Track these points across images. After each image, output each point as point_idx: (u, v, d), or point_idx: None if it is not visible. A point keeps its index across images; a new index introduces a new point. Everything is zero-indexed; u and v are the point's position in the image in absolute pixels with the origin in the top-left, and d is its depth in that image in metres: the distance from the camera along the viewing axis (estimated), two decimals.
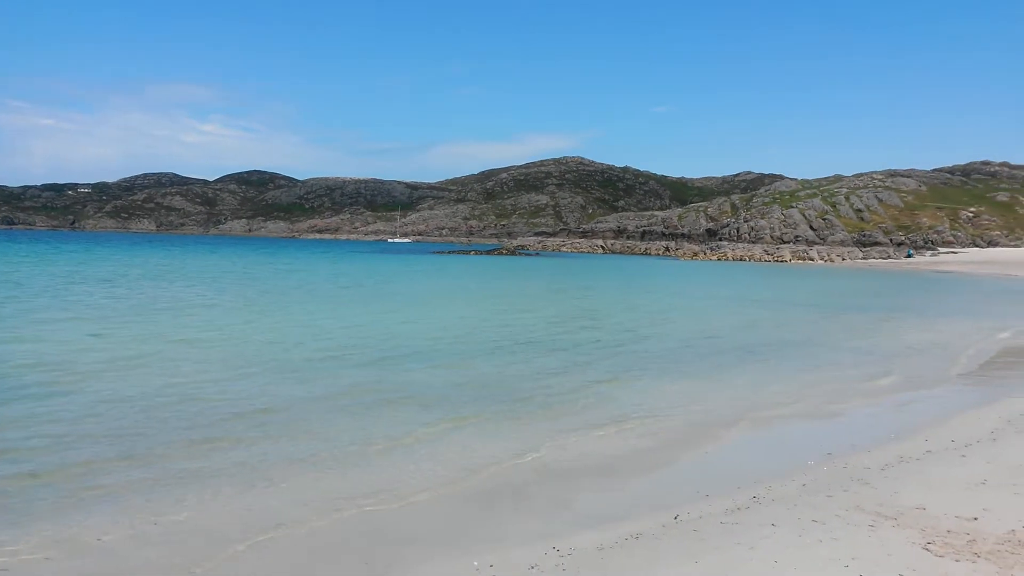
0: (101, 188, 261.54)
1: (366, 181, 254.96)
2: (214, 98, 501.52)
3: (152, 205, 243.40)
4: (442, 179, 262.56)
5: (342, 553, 6.52)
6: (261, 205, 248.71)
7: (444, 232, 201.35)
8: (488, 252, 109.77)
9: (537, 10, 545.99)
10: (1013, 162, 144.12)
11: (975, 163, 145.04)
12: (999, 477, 7.88)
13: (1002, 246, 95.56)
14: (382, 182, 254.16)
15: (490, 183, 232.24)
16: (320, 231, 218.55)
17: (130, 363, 14.48)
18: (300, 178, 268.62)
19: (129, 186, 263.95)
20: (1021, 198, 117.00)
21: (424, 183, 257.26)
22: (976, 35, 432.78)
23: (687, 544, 6.40)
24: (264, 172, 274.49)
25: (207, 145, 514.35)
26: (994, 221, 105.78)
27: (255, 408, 11.23)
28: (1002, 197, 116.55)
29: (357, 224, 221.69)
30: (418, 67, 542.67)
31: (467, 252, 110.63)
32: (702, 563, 5.92)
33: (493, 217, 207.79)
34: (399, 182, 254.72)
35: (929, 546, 6.01)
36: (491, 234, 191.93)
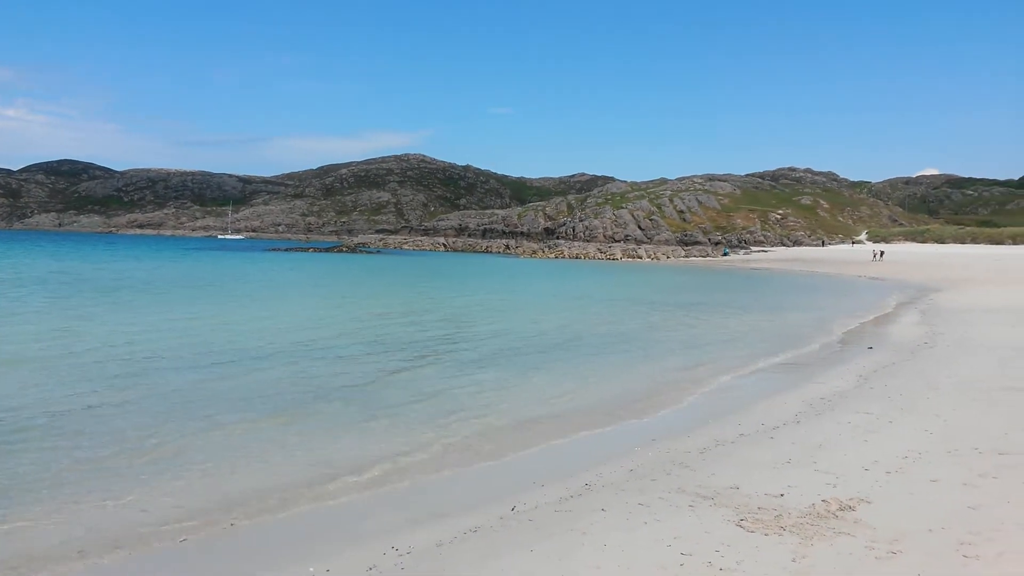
0: None
1: (194, 174, 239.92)
2: (18, 80, 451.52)
3: None
4: (278, 173, 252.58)
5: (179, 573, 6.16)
6: (74, 198, 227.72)
7: (280, 229, 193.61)
8: (327, 250, 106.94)
9: (376, 5, 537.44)
10: (815, 168, 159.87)
11: (783, 169, 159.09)
12: (802, 456, 8.69)
13: (805, 245, 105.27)
14: (212, 175, 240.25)
15: (329, 179, 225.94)
16: (141, 226, 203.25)
17: None
18: (119, 169, 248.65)
19: None
20: (822, 201, 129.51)
21: (258, 177, 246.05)
22: (780, 48, 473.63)
23: (523, 533, 6.57)
24: (77, 162, 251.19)
25: (11, 131, 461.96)
26: (799, 222, 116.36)
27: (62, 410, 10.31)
28: (806, 200, 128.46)
29: (183, 219, 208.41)
30: (251, 58, 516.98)
31: (305, 249, 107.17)
32: (537, 551, 6.11)
33: (333, 214, 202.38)
34: (231, 175, 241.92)
35: (742, 522, 6.53)
36: (331, 231, 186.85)
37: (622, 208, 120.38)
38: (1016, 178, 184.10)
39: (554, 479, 8.32)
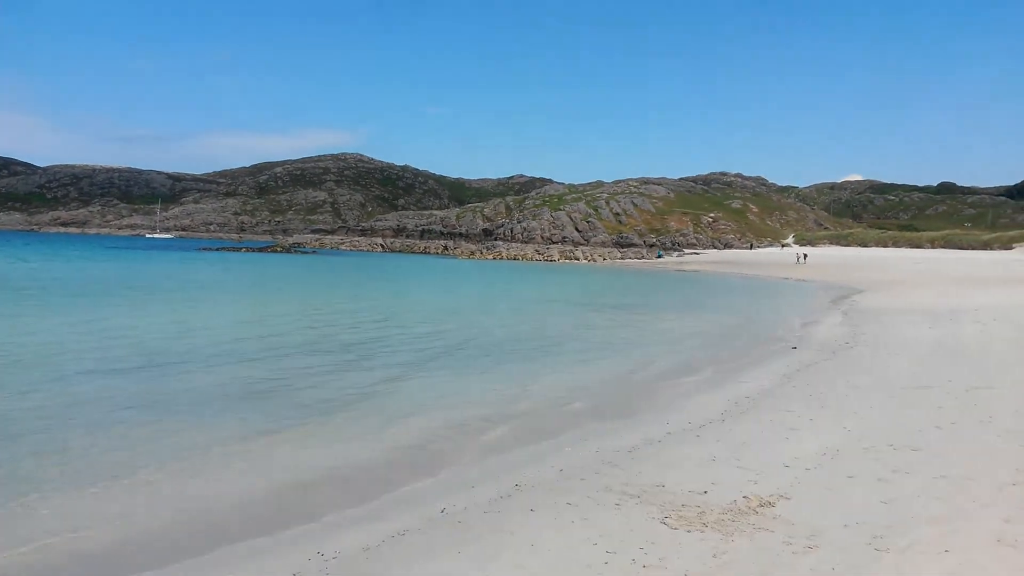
0: None
1: (121, 170, 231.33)
2: None
3: None
4: (210, 171, 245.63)
5: None
6: None
7: (212, 228, 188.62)
8: (261, 249, 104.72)
9: (310, 2, 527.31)
10: (746, 173, 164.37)
11: (715, 173, 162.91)
12: (726, 454, 8.91)
13: (735, 248, 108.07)
14: (140, 172, 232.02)
15: (263, 177, 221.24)
16: (65, 224, 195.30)
17: None
18: (41, 164, 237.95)
19: None
20: (751, 205, 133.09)
21: (189, 174, 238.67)
22: (711, 53, 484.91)
23: (452, 536, 6.56)
24: None
25: None
26: (729, 225, 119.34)
27: None
28: (736, 204, 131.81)
29: (110, 217, 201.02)
30: (182, 51, 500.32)
31: (237, 249, 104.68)
32: (465, 553, 6.10)
33: (267, 213, 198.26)
34: (160, 172, 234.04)
35: (666, 520, 6.66)
36: (265, 231, 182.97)
37: (560, 210, 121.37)
38: (935, 184, 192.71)
39: (485, 480, 8.32)
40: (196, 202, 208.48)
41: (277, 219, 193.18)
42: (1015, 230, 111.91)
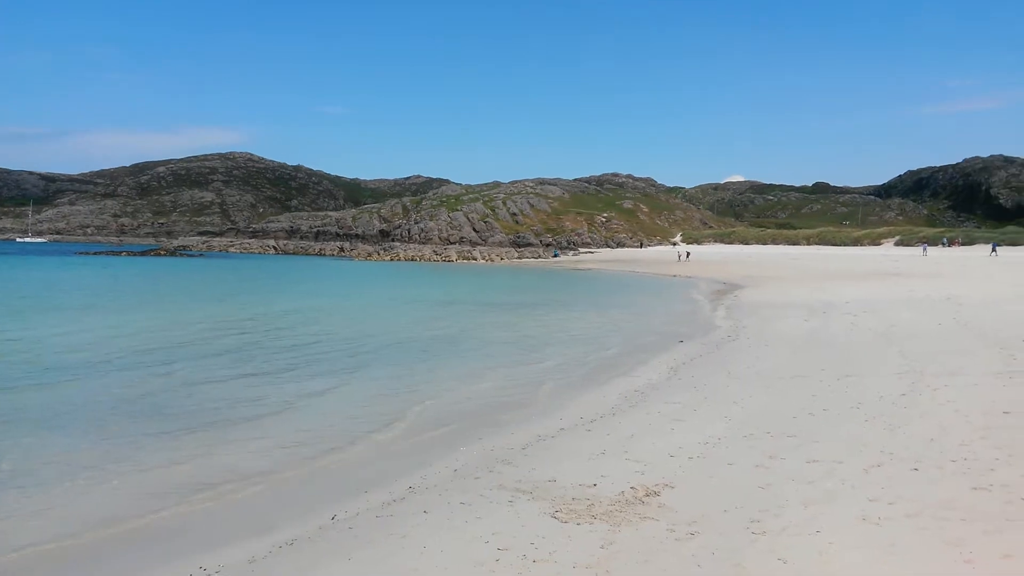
0: None
1: None
2: None
3: None
4: (87, 171, 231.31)
5: None
6: None
7: (90, 231, 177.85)
8: (143, 253, 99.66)
9: None
10: (636, 175, 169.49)
11: (607, 174, 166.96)
12: (615, 447, 9.15)
13: (627, 247, 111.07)
14: (9, 172, 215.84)
15: (145, 177, 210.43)
16: None
17: None
18: None
19: None
20: (642, 206, 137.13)
21: (64, 175, 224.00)
22: (603, 55, 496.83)
23: (342, 542, 6.45)
24: None
25: None
26: (621, 225, 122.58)
27: None
28: (627, 204, 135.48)
29: None
30: (57, 45, 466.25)
31: (117, 253, 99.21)
32: (355, 559, 6.02)
33: (149, 215, 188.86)
34: (32, 172, 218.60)
35: (557, 514, 6.78)
36: (147, 233, 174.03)
37: (457, 210, 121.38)
38: (810, 184, 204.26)
39: (378, 485, 8.23)
40: (72, 204, 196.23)
41: (161, 221, 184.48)
42: (883, 227, 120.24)
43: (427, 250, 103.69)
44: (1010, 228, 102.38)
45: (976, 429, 8.75)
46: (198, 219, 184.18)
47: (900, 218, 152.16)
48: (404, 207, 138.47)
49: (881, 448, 8.35)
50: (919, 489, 6.90)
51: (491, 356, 18.07)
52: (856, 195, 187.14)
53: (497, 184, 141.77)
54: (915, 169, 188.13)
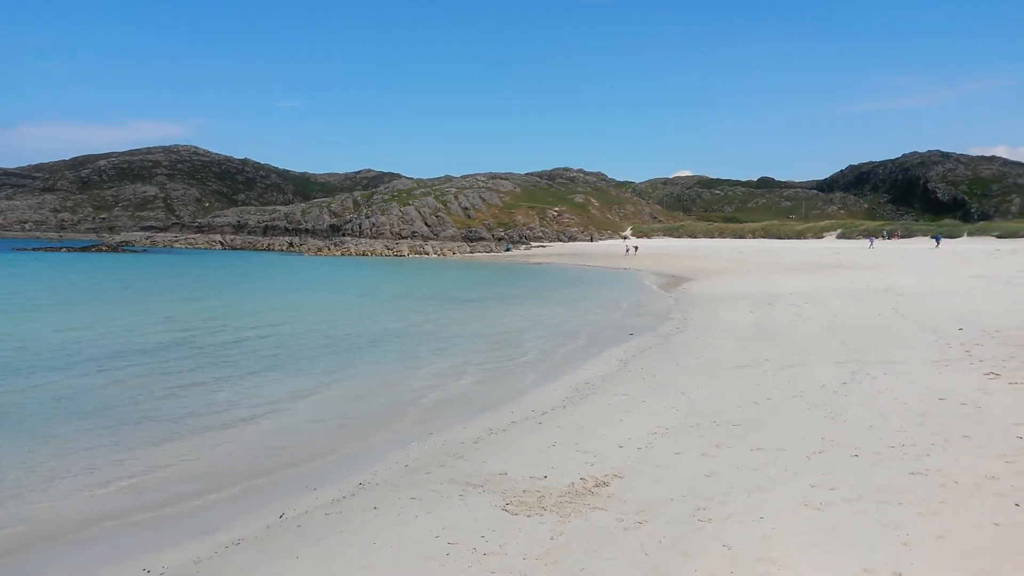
0: None
1: None
2: None
3: None
4: (24, 164, 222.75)
5: None
6: None
7: (28, 226, 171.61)
8: (84, 249, 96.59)
9: None
10: (587, 169, 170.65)
11: (559, 169, 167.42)
12: (566, 439, 9.22)
13: (579, 240, 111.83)
14: None
15: (86, 171, 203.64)
16: None
17: None
18: None
19: None
20: (593, 200, 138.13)
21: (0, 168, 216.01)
22: (552, 51, 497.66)
23: (290, 541, 6.38)
24: None
25: None
26: (573, 219, 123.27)
27: None
28: (578, 199, 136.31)
29: None
30: None
31: (57, 249, 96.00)
32: (303, 557, 5.95)
33: (90, 209, 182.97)
34: None
35: (507, 506, 6.80)
36: (88, 228, 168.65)
37: (409, 205, 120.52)
38: (755, 179, 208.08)
39: (327, 482, 8.15)
40: (8, 199, 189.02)
41: (102, 216, 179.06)
42: (825, 220, 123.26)
43: (379, 245, 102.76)
44: (947, 221, 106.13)
45: (913, 416, 9.05)
46: (141, 214, 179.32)
47: (842, 212, 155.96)
48: (355, 201, 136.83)
49: (823, 435, 8.57)
50: (859, 475, 7.11)
51: (446, 351, 17.99)
52: (800, 189, 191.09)
53: (449, 178, 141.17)
54: (856, 164, 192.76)
